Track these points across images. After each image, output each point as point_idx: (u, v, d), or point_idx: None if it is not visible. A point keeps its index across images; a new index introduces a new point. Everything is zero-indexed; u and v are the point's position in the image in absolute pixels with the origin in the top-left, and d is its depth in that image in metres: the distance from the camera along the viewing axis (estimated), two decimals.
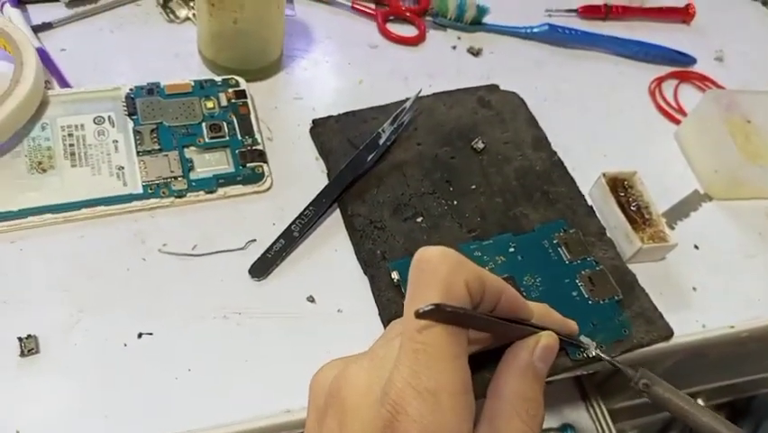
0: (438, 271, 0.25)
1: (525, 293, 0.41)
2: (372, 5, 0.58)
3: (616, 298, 0.41)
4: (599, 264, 0.43)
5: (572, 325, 0.35)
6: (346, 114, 0.49)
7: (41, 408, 0.34)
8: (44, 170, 0.41)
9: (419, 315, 0.24)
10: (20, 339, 0.35)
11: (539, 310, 0.32)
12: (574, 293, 0.41)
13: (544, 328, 0.30)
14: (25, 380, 0.35)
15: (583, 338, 0.38)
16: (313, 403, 0.28)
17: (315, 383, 0.28)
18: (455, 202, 0.45)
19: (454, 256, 0.26)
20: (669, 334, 0.42)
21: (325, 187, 0.44)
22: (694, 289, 0.46)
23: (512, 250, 0.43)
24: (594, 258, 0.43)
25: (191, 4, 0.53)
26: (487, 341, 0.30)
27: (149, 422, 0.35)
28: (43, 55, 0.46)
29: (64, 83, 0.46)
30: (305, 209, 0.43)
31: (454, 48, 0.58)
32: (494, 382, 0.29)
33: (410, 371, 0.24)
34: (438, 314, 0.24)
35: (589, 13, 0.63)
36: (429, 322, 0.24)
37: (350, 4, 0.58)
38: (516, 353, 0.29)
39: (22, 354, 0.35)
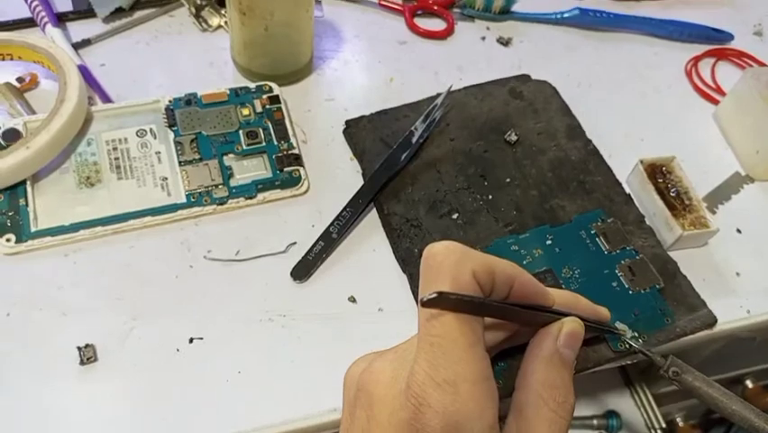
0: (444, 263, 0.26)
1: (563, 285, 0.41)
2: (399, 1, 0.58)
3: (657, 286, 0.41)
4: (639, 253, 0.42)
5: (603, 311, 0.34)
6: (378, 113, 0.49)
7: (101, 413, 0.36)
8: (92, 185, 0.43)
9: (424, 303, 0.25)
10: (79, 348, 0.37)
11: (565, 298, 0.32)
12: (614, 283, 0.41)
13: (566, 314, 0.30)
14: (86, 387, 0.37)
15: (619, 324, 0.38)
16: (345, 397, 0.29)
17: (347, 378, 0.29)
18: (490, 196, 0.45)
19: (459, 248, 0.26)
20: (712, 321, 0.41)
21: (361, 187, 0.45)
22: (738, 274, 0.45)
23: (549, 242, 0.43)
24: (633, 247, 0.43)
25: (223, 11, 0.54)
26: (511, 330, 0.31)
27: (202, 424, 0.36)
28: (85, 72, 0.48)
29: (106, 98, 0.47)
30: (342, 210, 0.44)
31: (484, 39, 0.58)
32: (521, 372, 0.29)
33: (428, 363, 0.25)
34: (444, 302, 0.25)
35: None
36: (439, 312, 0.25)
37: (377, 1, 0.58)
38: (540, 340, 0.29)
39: (82, 363, 0.37)
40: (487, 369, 0.26)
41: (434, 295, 0.24)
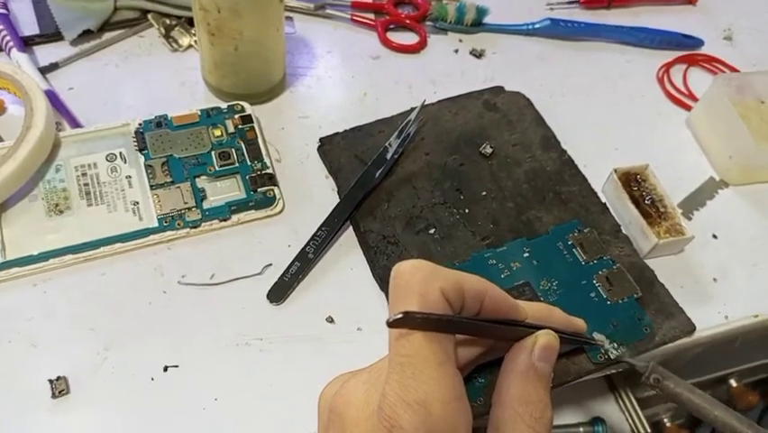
0: (411, 282, 0.26)
1: (542, 297, 0.41)
2: (372, 16, 0.58)
3: (635, 296, 0.41)
4: (616, 263, 0.42)
5: (578, 322, 0.34)
6: (352, 129, 0.49)
7: None
8: (61, 212, 0.42)
9: (390, 324, 0.25)
10: (50, 381, 0.37)
11: (539, 311, 0.31)
12: (592, 294, 0.41)
13: (539, 327, 0.30)
14: (58, 420, 0.36)
15: (596, 335, 0.38)
16: (320, 419, 0.29)
17: (321, 400, 0.29)
18: (467, 210, 0.45)
19: (427, 266, 0.26)
20: (691, 329, 0.41)
21: (336, 205, 0.44)
22: (715, 280, 0.45)
23: (527, 255, 0.43)
24: (611, 257, 0.43)
25: (193, 31, 0.54)
26: (485, 345, 0.30)
27: None
28: (52, 97, 0.47)
29: (75, 123, 0.47)
30: (318, 230, 0.43)
31: (456, 51, 0.58)
32: (497, 388, 0.29)
33: (398, 384, 0.25)
34: (410, 322, 0.25)
35: (591, 2, 0.63)
36: (408, 331, 0.25)
37: (349, 16, 0.58)
38: (515, 355, 0.29)
39: (54, 396, 0.36)
40: (459, 387, 0.26)
41: (400, 315, 0.24)
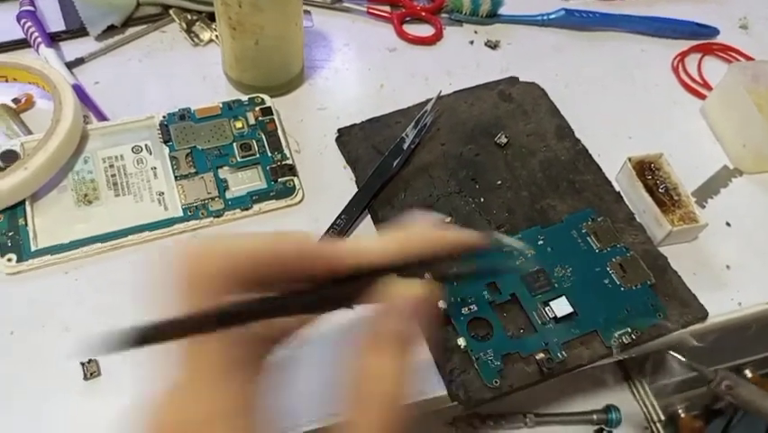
0: (180, 278, 0.22)
1: (557, 284, 0.42)
2: (388, 8, 0.59)
3: (648, 283, 0.42)
4: (630, 250, 0.43)
5: (467, 237, 0.26)
6: (370, 120, 0.50)
7: (106, 428, 0.37)
8: (90, 202, 0.44)
9: (105, 350, 0.21)
10: (82, 364, 0.38)
11: (392, 244, 0.24)
12: (606, 281, 0.42)
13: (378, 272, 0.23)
14: (90, 401, 0.38)
15: (509, 240, 0.36)
16: None
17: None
18: (482, 199, 0.46)
19: (194, 252, 0.22)
20: (704, 315, 0.42)
21: (355, 195, 0.45)
22: (728, 267, 0.46)
23: (541, 242, 0.43)
24: (624, 244, 0.43)
25: (213, 26, 0.55)
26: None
27: None
28: (79, 91, 0.49)
29: (101, 116, 0.48)
30: (336, 219, 0.44)
31: (472, 43, 0.58)
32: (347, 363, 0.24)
33: (176, 407, 0.22)
34: (149, 337, 0.21)
35: None
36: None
37: (365, 9, 0.59)
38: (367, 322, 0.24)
39: (86, 378, 0.38)
40: (248, 396, 0.23)
41: (126, 335, 0.21)
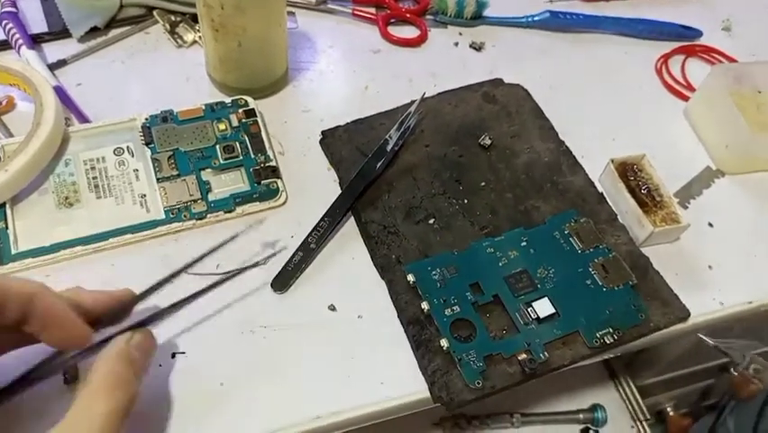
0: None
1: (539, 285, 0.42)
2: (373, 10, 0.59)
3: (630, 283, 0.42)
4: (612, 251, 0.43)
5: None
6: (354, 122, 0.50)
7: None
8: (71, 204, 0.43)
9: None
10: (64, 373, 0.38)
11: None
12: (588, 281, 0.42)
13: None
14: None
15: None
16: None
17: None
18: (466, 201, 0.46)
19: None
20: (685, 315, 0.42)
21: (338, 197, 0.45)
22: (710, 267, 0.46)
23: (524, 244, 0.44)
24: (607, 245, 0.44)
25: (197, 27, 0.55)
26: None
27: None
28: (61, 93, 0.49)
29: (83, 118, 0.48)
30: (320, 221, 0.44)
31: (456, 44, 0.59)
32: None
33: None
34: None
35: None
36: None
37: (350, 10, 0.59)
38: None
39: (66, 382, 0.38)
40: None
41: None
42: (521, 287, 0.41)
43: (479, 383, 0.38)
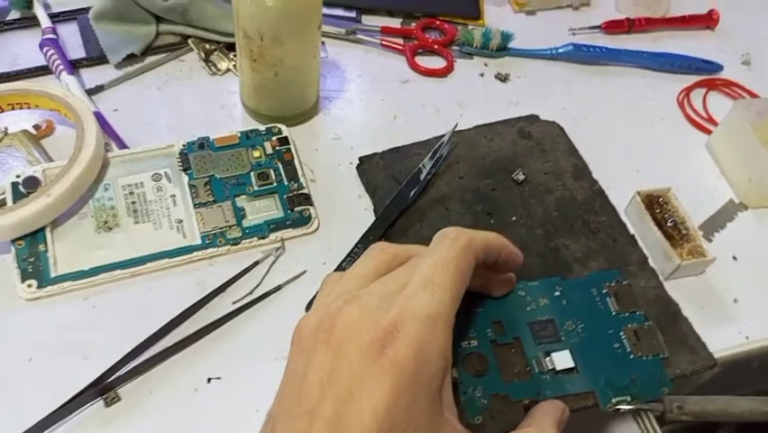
0: (455, 244, 0.32)
1: (563, 337, 0.39)
2: (401, 41, 0.60)
3: (661, 356, 0.39)
4: (648, 320, 0.41)
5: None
6: (390, 150, 0.51)
7: None
8: (110, 229, 0.44)
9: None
10: (102, 391, 0.38)
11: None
12: (616, 345, 0.40)
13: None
14: (112, 428, 0.38)
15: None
16: (297, 350, 0.30)
17: (300, 330, 0.31)
18: None
19: (465, 236, 0.32)
20: (712, 364, 0.41)
21: (372, 224, 0.46)
22: (735, 300, 0.47)
23: (557, 294, 0.41)
24: (644, 313, 0.41)
25: (231, 55, 0.56)
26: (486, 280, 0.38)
27: None
28: (100, 119, 0.50)
29: (121, 144, 0.49)
30: (353, 247, 0.45)
31: (482, 75, 0.60)
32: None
33: (416, 299, 0.28)
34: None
35: (612, 28, 0.65)
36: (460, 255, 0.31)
37: (379, 41, 0.60)
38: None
39: (106, 404, 0.38)
40: (454, 319, 0.30)
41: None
42: (544, 335, 0.39)
43: (478, 420, 0.36)
